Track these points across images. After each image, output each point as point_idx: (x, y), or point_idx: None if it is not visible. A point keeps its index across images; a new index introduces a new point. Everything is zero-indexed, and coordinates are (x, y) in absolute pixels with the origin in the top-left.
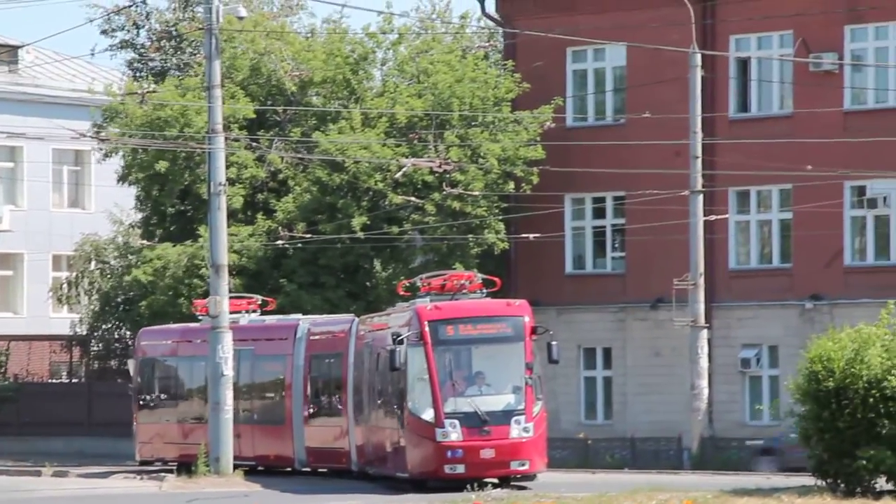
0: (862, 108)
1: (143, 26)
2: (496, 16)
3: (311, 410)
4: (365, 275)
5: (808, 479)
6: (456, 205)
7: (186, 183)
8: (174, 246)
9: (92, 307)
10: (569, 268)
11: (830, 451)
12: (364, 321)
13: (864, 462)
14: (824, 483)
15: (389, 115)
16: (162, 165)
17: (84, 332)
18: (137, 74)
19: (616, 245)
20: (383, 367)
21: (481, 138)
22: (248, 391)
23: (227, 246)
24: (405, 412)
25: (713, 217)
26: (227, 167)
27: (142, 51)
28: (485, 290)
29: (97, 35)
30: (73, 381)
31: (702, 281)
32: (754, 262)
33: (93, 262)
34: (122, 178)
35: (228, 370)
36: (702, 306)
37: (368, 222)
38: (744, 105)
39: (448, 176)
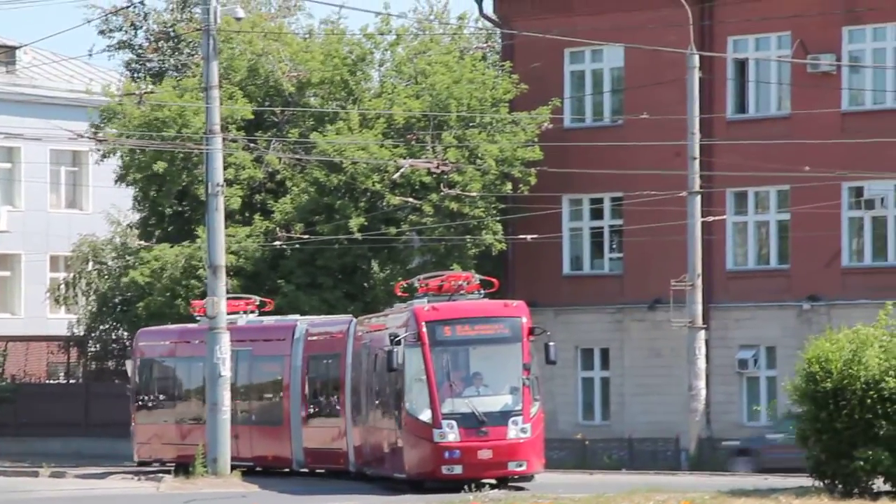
0: (860, 109)
1: (141, 27)
2: (494, 17)
3: (309, 411)
4: (362, 276)
5: (805, 480)
6: (453, 206)
7: (184, 184)
8: (172, 247)
9: (89, 308)
10: (566, 269)
11: (828, 451)
12: (362, 322)
13: (862, 463)
14: (822, 484)
15: (387, 116)
16: (160, 166)
17: (81, 333)
18: (135, 75)
19: (614, 246)
20: (381, 368)
21: (479, 139)
22: (245, 392)
23: (225, 247)
24: (403, 413)
25: (711, 218)
26: (225, 168)
27: (139, 51)
28: (482, 291)
29: (95, 36)
30: (71, 381)
31: (699, 282)
32: (752, 263)
33: (90, 263)
34: (120, 179)
35: (226, 371)
36: (699, 307)
37: (366, 223)
38: (741, 106)
39: (446, 177)
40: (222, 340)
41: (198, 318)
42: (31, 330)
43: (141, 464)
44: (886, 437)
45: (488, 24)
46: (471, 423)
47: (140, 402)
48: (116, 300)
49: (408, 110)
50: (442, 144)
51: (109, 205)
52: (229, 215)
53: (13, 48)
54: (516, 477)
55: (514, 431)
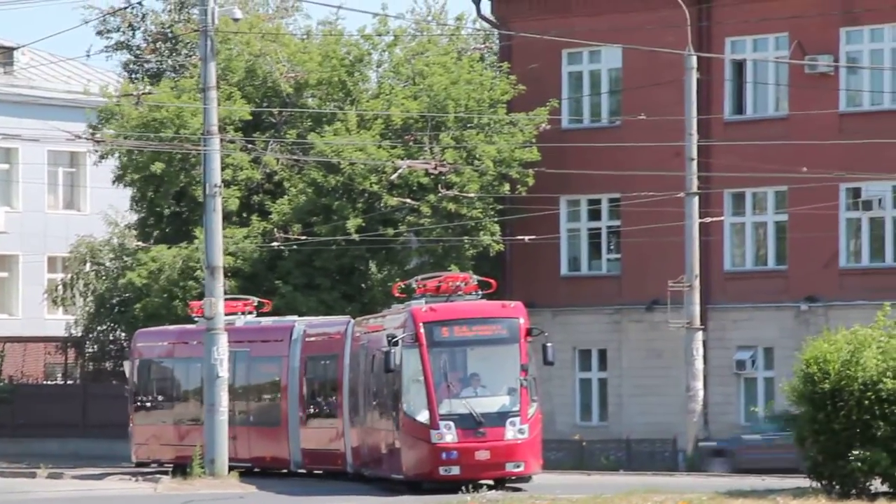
0: (857, 110)
1: (139, 28)
2: (492, 18)
3: (307, 412)
4: (360, 276)
5: (802, 481)
6: (451, 206)
7: (182, 185)
8: (169, 248)
9: (87, 309)
10: (564, 269)
11: (825, 452)
12: (359, 323)
13: (859, 464)
14: (819, 485)
15: (385, 117)
16: (157, 167)
17: (79, 334)
18: (133, 76)
19: (611, 247)
20: (378, 369)
21: (477, 140)
22: (243, 393)
23: (223, 248)
24: (400, 414)
25: (708, 219)
26: (223, 169)
27: (137, 52)
28: (480, 292)
29: (93, 36)
30: (69, 382)
31: (697, 283)
32: (749, 264)
33: (88, 264)
34: (118, 180)
35: (224, 372)
36: (697, 308)
37: (364, 224)
38: (739, 107)
39: (443, 178)
40: (220, 341)
41: (195, 318)
42: (29, 331)
43: (139, 465)
44: (884, 437)
45: (486, 25)
46: (468, 423)
47: (138, 403)
48: (114, 301)
49: (405, 111)
50: (440, 145)
51: (107, 206)
52: (227, 216)
53: (11, 49)
54: (514, 478)
55: (512, 432)
